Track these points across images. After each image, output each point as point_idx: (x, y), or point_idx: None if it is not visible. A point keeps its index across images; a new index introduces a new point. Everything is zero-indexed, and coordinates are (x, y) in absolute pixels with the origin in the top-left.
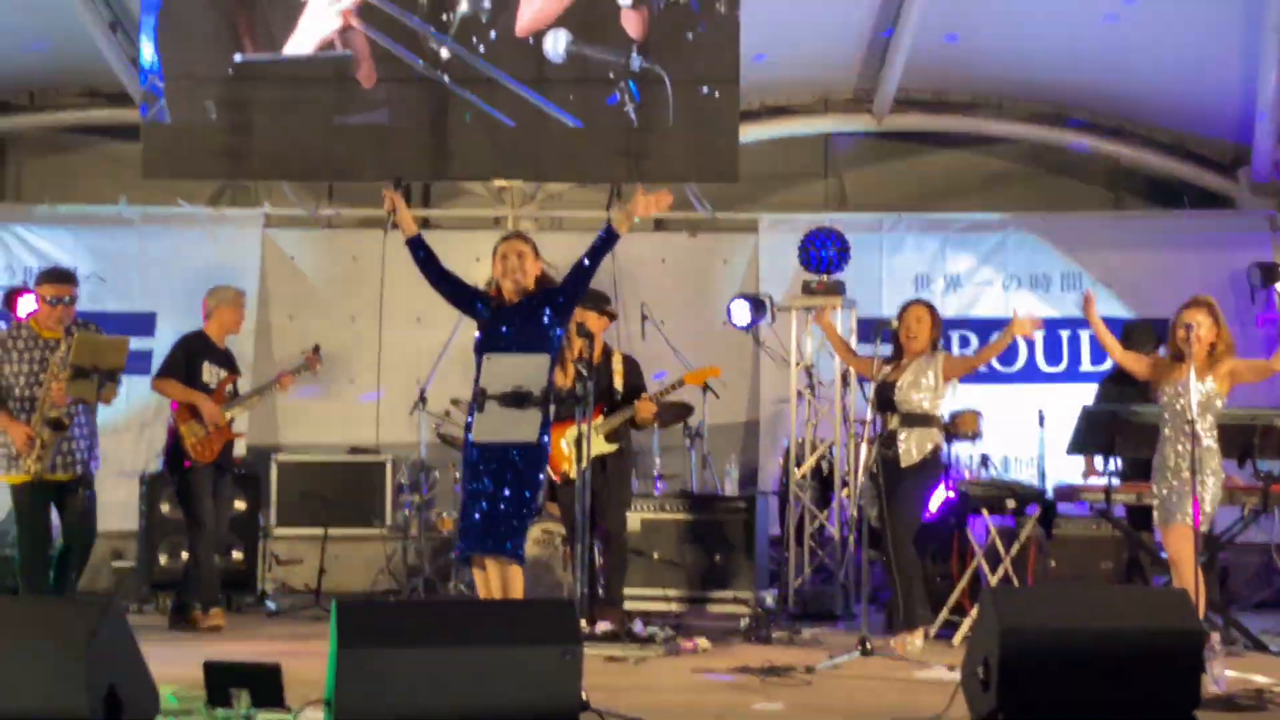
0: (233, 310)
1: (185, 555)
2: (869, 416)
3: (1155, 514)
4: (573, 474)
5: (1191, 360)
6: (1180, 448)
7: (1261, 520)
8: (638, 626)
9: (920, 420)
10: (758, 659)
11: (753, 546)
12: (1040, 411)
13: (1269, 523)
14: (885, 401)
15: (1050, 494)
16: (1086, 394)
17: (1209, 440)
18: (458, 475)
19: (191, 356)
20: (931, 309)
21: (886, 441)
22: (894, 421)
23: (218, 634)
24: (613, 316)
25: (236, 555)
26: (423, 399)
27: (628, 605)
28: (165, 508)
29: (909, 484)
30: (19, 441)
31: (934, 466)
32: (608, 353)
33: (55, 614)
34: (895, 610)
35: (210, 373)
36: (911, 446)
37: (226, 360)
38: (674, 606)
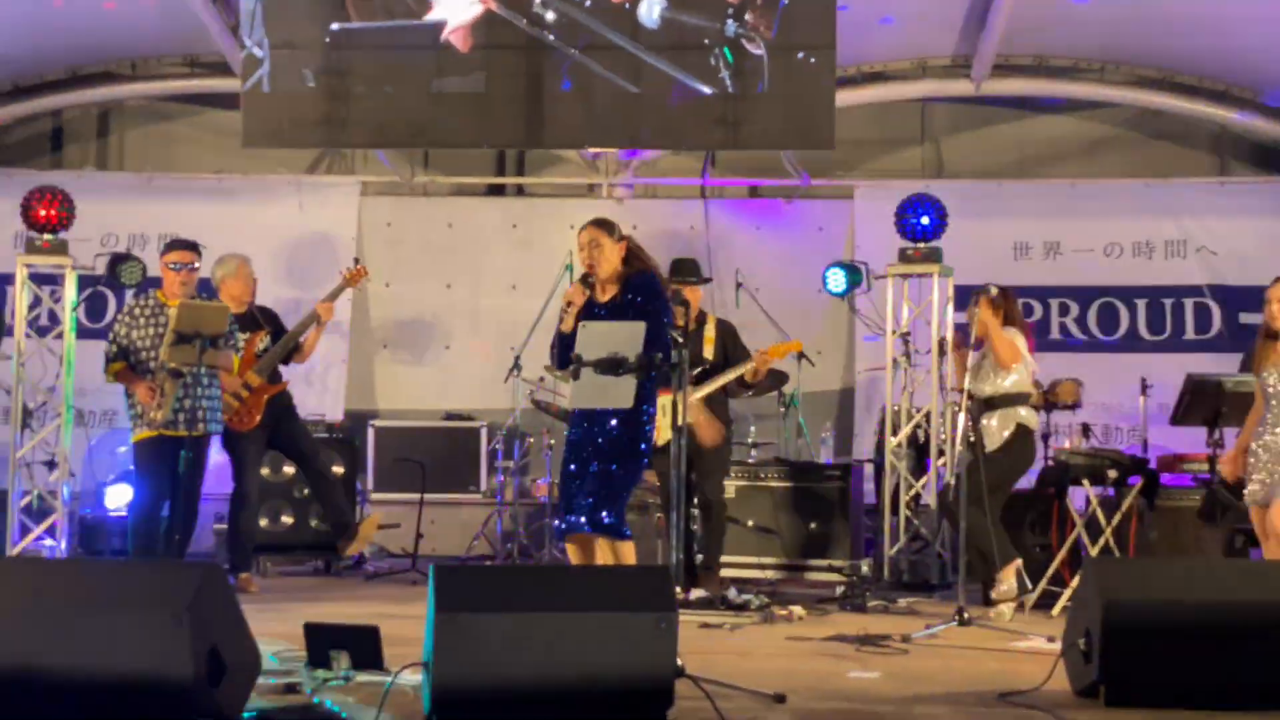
0: (237, 280)
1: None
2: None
3: (1251, 493)
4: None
5: None
6: None
7: None
8: (732, 594)
9: (999, 402)
10: (853, 627)
11: (848, 515)
12: (1143, 380)
13: None
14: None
15: (1153, 464)
16: (1190, 363)
17: None
18: (552, 441)
19: None
20: (987, 300)
21: (972, 426)
22: (973, 407)
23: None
24: (705, 281)
25: None
26: (517, 365)
27: (723, 573)
28: (264, 470)
29: (994, 468)
30: (142, 394)
31: (1021, 447)
32: (701, 320)
33: (157, 577)
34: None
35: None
36: (994, 430)
37: (250, 322)
38: (769, 574)
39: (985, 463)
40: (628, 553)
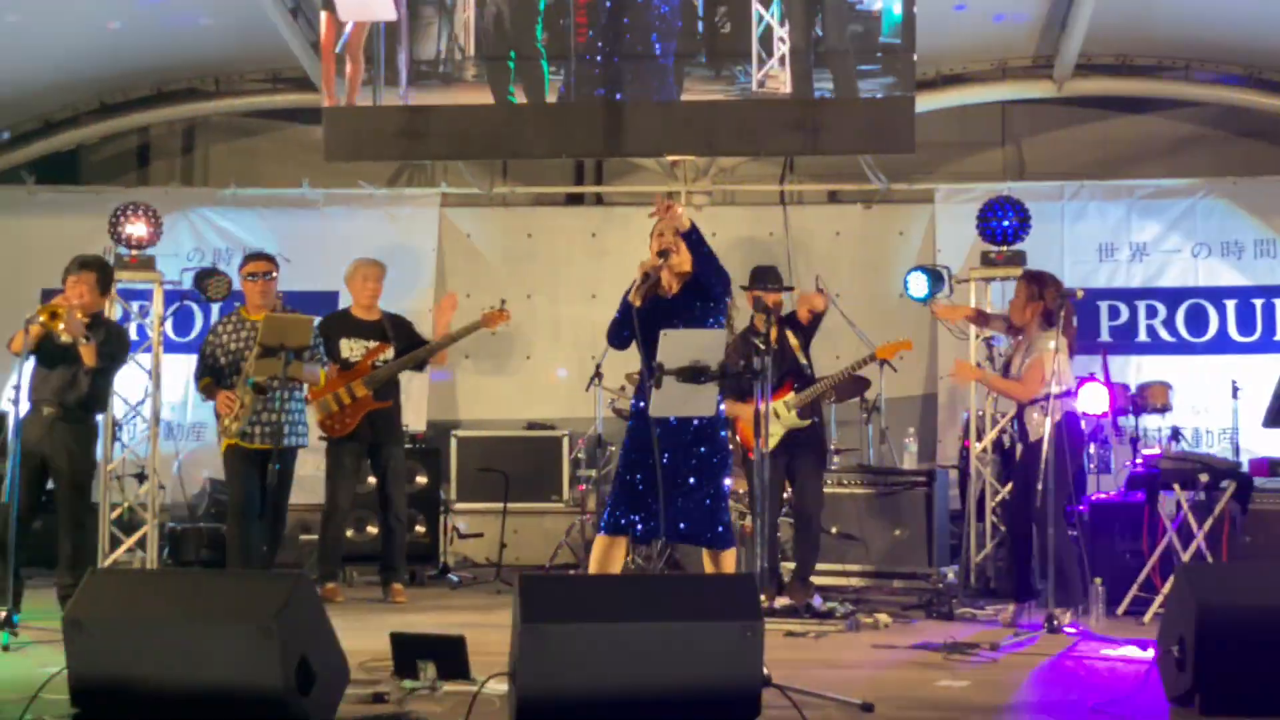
0: (352, 283)
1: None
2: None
3: None
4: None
5: None
6: None
7: None
8: (817, 601)
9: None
10: (940, 635)
11: (933, 521)
12: (1234, 382)
13: None
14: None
15: (1245, 467)
16: None
17: None
18: None
19: (327, 336)
20: (1030, 279)
21: (1018, 424)
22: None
23: (390, 605)
24: (788, 289)
25: (419, 529)
26: (598, 374)
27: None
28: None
29: (1033, 463)
30: (221, 405)
31: (1063, 439)
32: (786, 326)
33: (248, 588)
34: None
35: (349, 348)
36: (1038, 422)
37: (375, 332)
38: (853, 581)
39: (1031, 454)
40: (730, 561)
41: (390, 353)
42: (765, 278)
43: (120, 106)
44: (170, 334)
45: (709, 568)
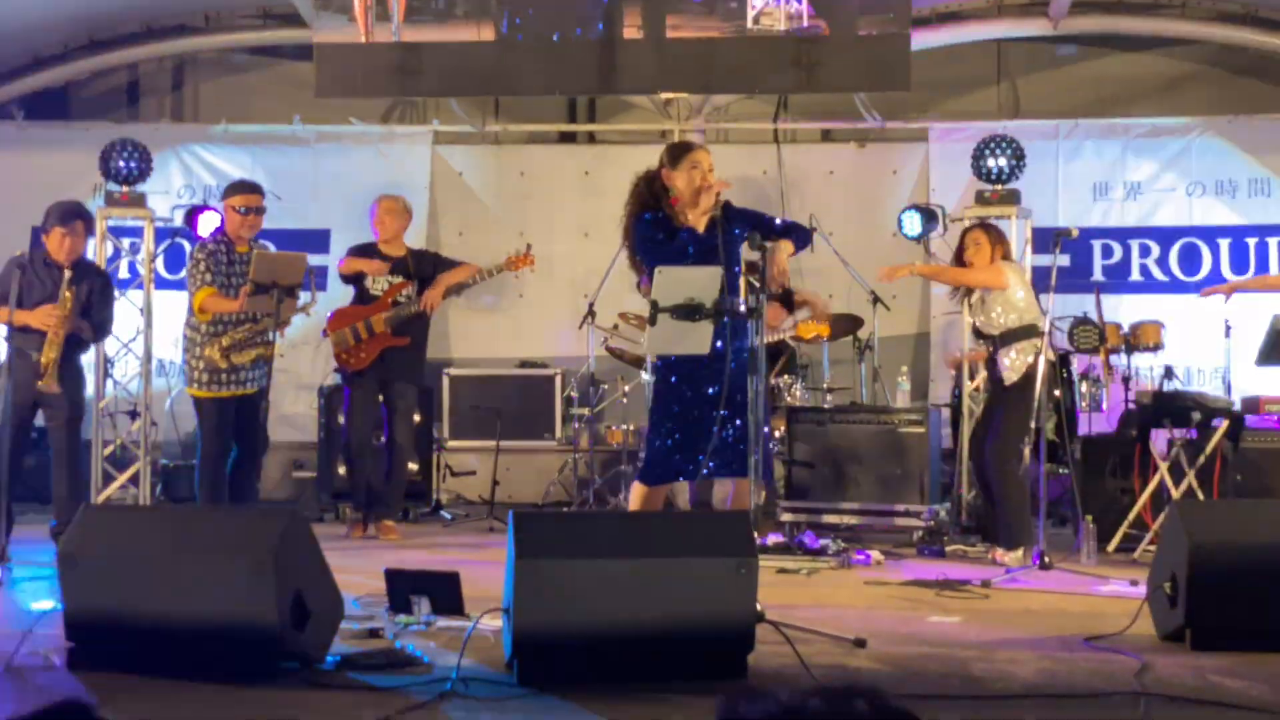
0: (376, 217)
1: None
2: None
3: None
4: None
5: None
6: None
7: None
8: (809, 539)
9: (1011, 336)
10: (931, 572)
11: (925, 460)
12: (1226, 321)
13: None
14: (978, 333)
15: (1237, 406)
16: (1275, 304)
17: None
18: (627, 388)
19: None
20: (986, 229)
21: (989, 362)
22: (990, 347)
23: (372, 541)
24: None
25: (412, 467)
26: (591, 313)
27: (799, 518)
28: (342, 419)
29: (1011, 404)
30: (237, 304)
31: (1037, 376)
32: None
33: (242, 523)
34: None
35: (374, 280)
36: (1010, 364)
37: (399, 267)
38: (845, 519)
39: (1006, 397)
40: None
41: (412, 289)
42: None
43: (110, 42)
44: (161, 271)
45: (720, 496)
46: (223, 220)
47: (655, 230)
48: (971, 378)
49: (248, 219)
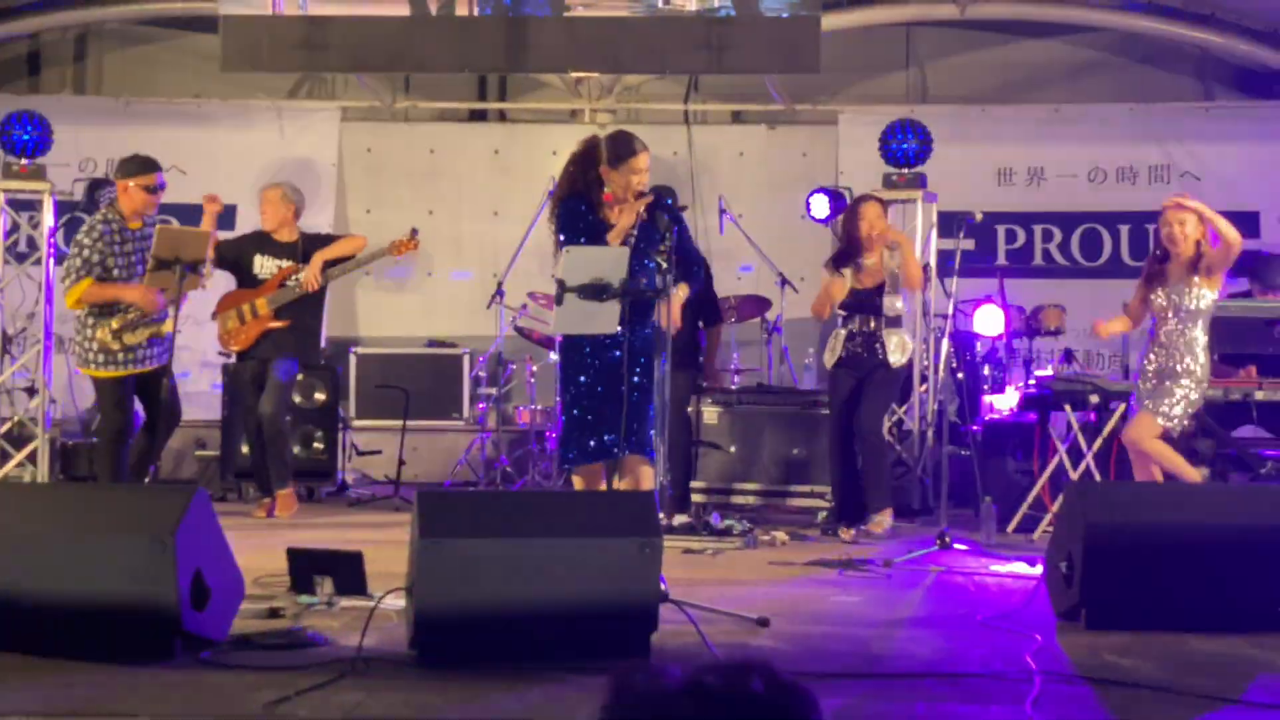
0: (264, 207)
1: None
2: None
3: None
4: None
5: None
6: None
7: None
8: (714, 519)
9: (898, 322)
10: (835, 552)
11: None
12: (1125, 305)
13: None
14: (865, 307)
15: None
16: None
17: None
18: (535, 367)
19: (243, 251)
20: (879, 200)
21: (867, 341)
22: (872, 324)
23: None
24: (683, 208)
25: (317, 445)
26: (500, 292)
27: (705, 499)
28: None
29: (892, 382)
30: (136, 296)
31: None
32: None
33: (142, 501)
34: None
35: (260, 265)
36: (897, 349)
37: (289, 252)
38: (751, 500)
39: (891, 377)
40: (650, 473)
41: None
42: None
43: (10, 11)
44: (61, 245)
45: (625, 479)
46: (116, 197)
47: (579, 220)
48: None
49: (153, 198)
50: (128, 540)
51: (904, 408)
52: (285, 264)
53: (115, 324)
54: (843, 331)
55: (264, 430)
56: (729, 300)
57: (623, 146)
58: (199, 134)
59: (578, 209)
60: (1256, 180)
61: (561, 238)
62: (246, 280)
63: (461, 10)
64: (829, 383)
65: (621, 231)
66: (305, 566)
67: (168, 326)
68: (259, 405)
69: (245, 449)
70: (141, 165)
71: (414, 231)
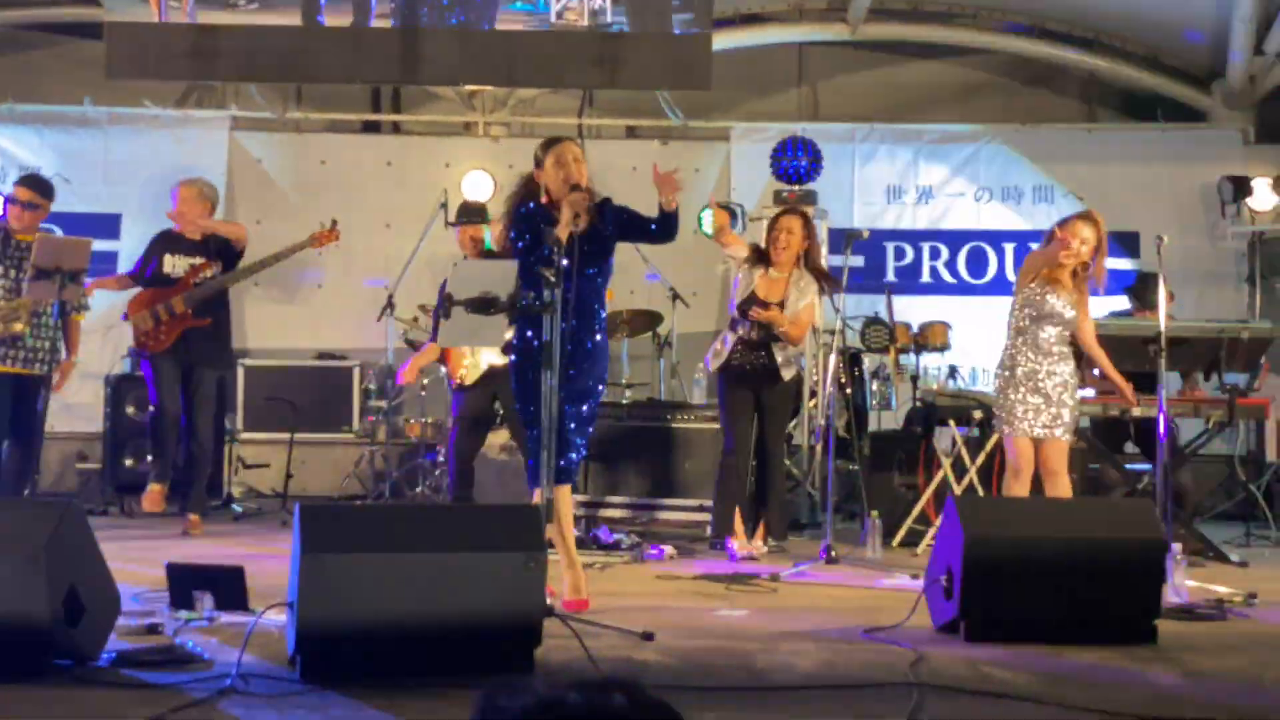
0: (180, 207)
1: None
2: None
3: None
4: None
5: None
6: None
7: (1226, 433)
8: (603, 533)
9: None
10: (723, 567)
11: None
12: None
13: (1232, 435)
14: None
15: None
16: None
17: None
18: (426, 381)
19: (151, 251)
20: (806, 220)
21: (757, 348)
22: (759, 332)
23: (182, 537)
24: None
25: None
26: (390, 304)
27: (590, 513)
28: (130, 410)
29: (788, 400)
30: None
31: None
32: None
33: (14, 516)
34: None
35: (171, 264)
36: (790, 362)
37: (199, 250)
38: (631, 514)
39: (786, 393)
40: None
41: (214, 271)
42: None
43: None
44: None
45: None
46: (6, 206)
47: (527, 224)
48: None
49: (24, 215)
50: None
51: (793, 422)
52: (197, 261)
53: None
54: (731, 336)
55: (197, 450)
56: (621, 314)
57: (550, 141)
58: (84, 142)
59: (528, 210)
60: (1137, 201)
61: (519, 245)
62: (157, 278)
63: (381, 22)
64: (721, 394)
65: (565, 225)
66: (185, 581)
67: (16, 328)
68: (195, 425)
69: (129, 460)
70: (26, 180)
71: (334, 223)
